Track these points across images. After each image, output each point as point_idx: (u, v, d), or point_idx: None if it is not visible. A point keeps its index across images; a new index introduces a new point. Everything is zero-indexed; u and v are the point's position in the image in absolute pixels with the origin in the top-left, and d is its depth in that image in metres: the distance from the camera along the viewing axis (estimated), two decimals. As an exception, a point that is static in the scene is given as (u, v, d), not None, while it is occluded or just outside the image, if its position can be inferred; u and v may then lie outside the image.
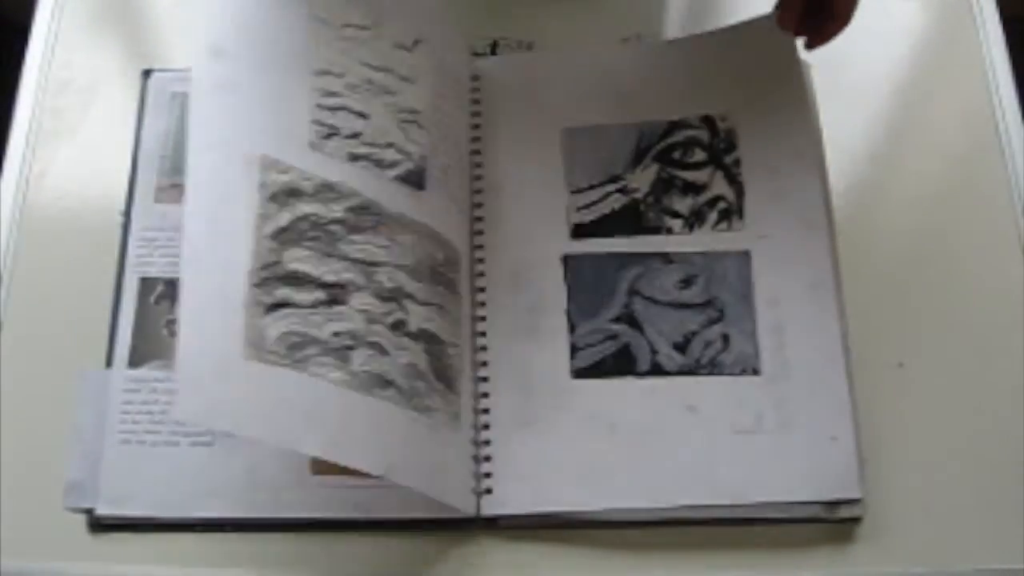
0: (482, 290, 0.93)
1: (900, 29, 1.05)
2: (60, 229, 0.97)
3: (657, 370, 0.90)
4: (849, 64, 0.99)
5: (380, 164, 0.88)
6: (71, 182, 0.99)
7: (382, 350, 0.81)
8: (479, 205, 0.95)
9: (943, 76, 1.03)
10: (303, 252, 0.80)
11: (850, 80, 1.00)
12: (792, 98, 0.97)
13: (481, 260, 0.94)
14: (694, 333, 0.91)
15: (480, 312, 0.92)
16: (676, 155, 0.96)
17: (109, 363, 0.91)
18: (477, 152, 0.97)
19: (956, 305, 0.94)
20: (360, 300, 0.81)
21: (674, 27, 1.06)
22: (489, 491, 0.87)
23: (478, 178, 0.96)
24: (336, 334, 0.79)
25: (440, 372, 0.86)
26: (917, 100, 1.02)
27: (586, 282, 0.93)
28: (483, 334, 0.91)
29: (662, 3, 1.08)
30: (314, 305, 0.79)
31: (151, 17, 1.08)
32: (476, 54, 1.02)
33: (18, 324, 0.94)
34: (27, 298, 0.95)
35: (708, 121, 0.97)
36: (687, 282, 0.92)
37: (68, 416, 0.89)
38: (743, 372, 0.90)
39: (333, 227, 0.82)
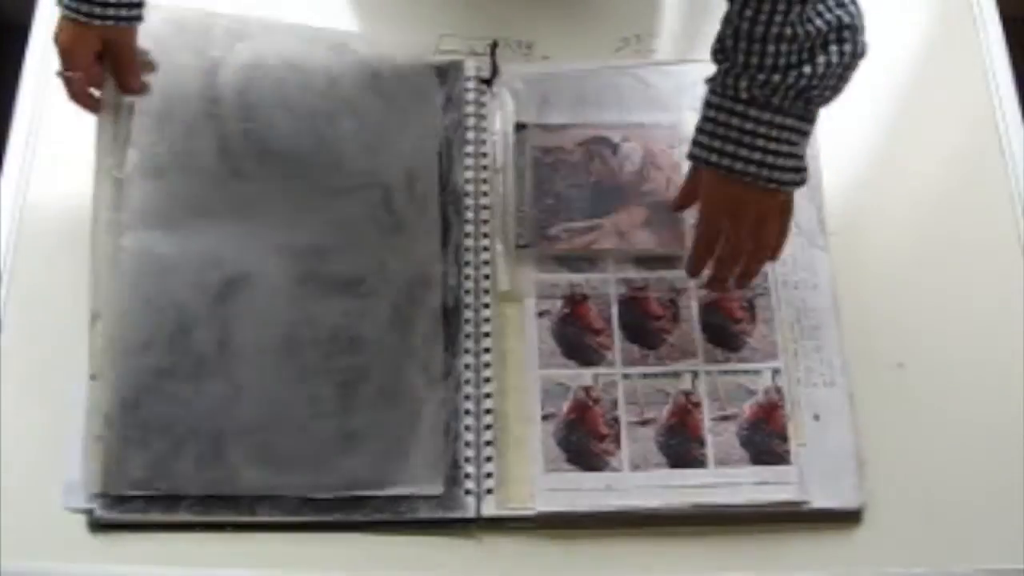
0: (487, 306, 0.94)
1: (900, 29, 1.05)
2: (60, 229, 0.97)
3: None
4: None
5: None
6: (71, 182, 0.99)
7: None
8: (485, 207, 0.97)
9: (943, 76, 1.03)
10: None
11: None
12: None
13: (487, 262, 0.95)
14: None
15: (486, 314, 0.93)
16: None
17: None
18: (484, 155, 0.98)
19: (956, 305, 0.94)
20: None
21: (672, 28, 1.06)
22: (489, 491, 0.87)
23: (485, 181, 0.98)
24: None
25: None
26: (917, 100, 1.02)
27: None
28: (487, 334, 0.92)
29: (660, 5, 1.08)
30: None
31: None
32: (476, 54, 1.02)
33: (18, 325, 0.93)
34: (27, 299, 0.95)
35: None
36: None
37: (68, 417, 0.89)
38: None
39: None
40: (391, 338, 0.90)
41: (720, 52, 0.82)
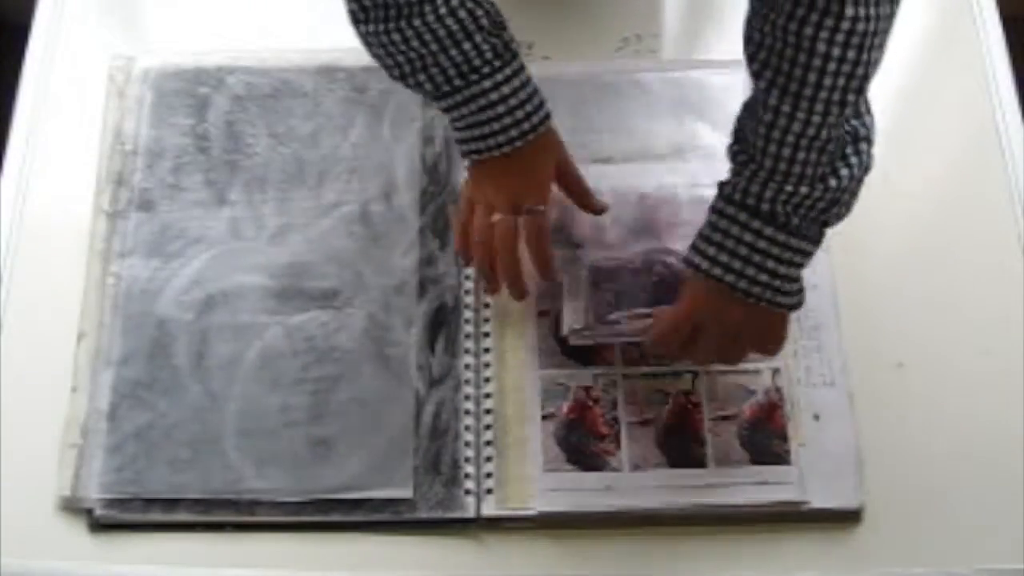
0: (487, 306, 0.94)
1: (900, 29, 1.05)
2: (60, 229, 0.97)
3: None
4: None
5: None
6: (71, 181, 0.99)
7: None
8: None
9: (943, 76, 1.03)
10: None
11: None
12: None
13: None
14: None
15: (486, 314, 0.93)
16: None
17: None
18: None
19: (956, 305, 0.94)
20: None
21: (672, 28, 1.06)
22: (489, 491, 0.87)
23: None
24: None
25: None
26: (917, 100, 1.02)
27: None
28: (487, 334, 0.92)
29: (660, 5, 1.08)
30: None
31: (153, 18, 1.08)
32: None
33: (18, 326, 0.93)
34: (27, 298, 0.95)
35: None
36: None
37: (68, 416, 0.89)
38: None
39: None
40: (366, 347, 0.92)
41: (742, 153, 0.78)
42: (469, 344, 0.92)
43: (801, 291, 0.82)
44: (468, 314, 0.93)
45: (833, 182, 0.76)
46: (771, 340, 0.85)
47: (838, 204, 0.78)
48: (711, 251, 0.80)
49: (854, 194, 0.78)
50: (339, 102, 1.01)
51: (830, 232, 0.94)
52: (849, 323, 0.92)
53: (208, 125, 1.00)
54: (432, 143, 0.99)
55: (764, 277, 0.80)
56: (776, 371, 0.90)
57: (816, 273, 0.93)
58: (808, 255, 0.80)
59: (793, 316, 0.91)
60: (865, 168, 0.77)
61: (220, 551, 0.87)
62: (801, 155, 0.75)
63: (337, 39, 1.03)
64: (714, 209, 0.81)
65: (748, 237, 0.79)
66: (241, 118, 1.00)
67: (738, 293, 0.81)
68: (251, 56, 1.03)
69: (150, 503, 0.87)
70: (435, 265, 0.95)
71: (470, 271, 0.94)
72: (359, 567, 0.86)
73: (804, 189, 0.76)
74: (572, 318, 0.90)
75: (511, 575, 0.86)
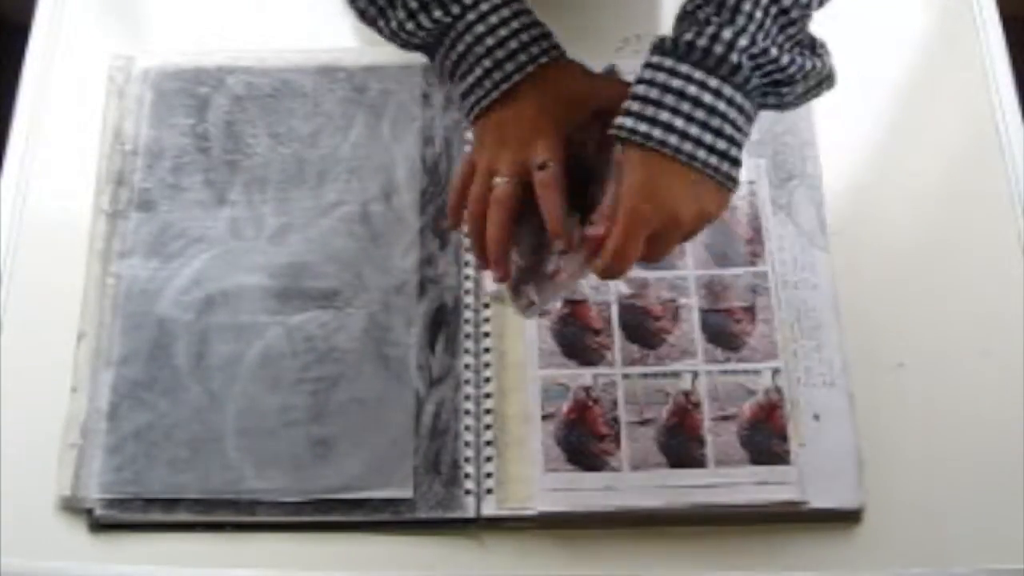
0: (487, 306, 0.94)
1: (900, 29, 1.05)
2: (60, 229, 0.97)
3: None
4: (849, 63, 0.99)
5: None
6: (71, 181, 0.99)
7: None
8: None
9: (943, 76, 1.03)
10: None
11: (850, 80, 1.00)
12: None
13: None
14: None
15: (486, 314, 0.93)
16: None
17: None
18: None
19: (956, 305, 0.94)
20: None
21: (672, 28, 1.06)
22: (489, 491, 0.87)
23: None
24: None
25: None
26: (917, 100, 1.02)
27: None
28: (487, 334, 0.92)
29: (660, 5, 1.08)
30: None
31: (153, 18, 1.08)
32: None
33: (18, 325, 0.94)
34: (27, 298, 0.95)
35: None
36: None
37: (68, 416, 0.89)
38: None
39: None
40: (366, 347, 0.92)
41: (705, 6, 0.71)
42: (469, 344, 0.92)
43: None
44: (468, 314, 0.93)
45: (799, 60, 0.72)
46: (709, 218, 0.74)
47: (791, 85, 0.72)
48: (664, 116, 0.70)
49: (804, 93, 0.74)
50: (339, 102, 1.01)
51: (830, 232, 0.95)
52: (849, 323, 0.92)
53: (208, 125, 1.00)
54: (432, 143, 0.99)
55: (722, 145, 0.71)
56: (776, 371, 0.90)
57: (816, 273, 0.93)
58: (749, 130, 0.73)
59: (793, 316, 0.92)
60: (827, 76, 0.74)
61: (220, 551, 0.87)
62: (768, 22, 0.70)
63: (337, 39, 1.04)
64: (661, 68, 0.71)
65: (708, 98, 0.70)
66: (241, 118, 1.00)
67: (696, 163, 0.71)
68: (251, 56, 1.03)
69: (150, 503, 0.87)
70: (435, 265, 0.95)
71: (471, 271, 0.94)
72: (359, 567, 0.86)
73: (774, 51, 0.70)
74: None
75: (511, 575, 0.86)
